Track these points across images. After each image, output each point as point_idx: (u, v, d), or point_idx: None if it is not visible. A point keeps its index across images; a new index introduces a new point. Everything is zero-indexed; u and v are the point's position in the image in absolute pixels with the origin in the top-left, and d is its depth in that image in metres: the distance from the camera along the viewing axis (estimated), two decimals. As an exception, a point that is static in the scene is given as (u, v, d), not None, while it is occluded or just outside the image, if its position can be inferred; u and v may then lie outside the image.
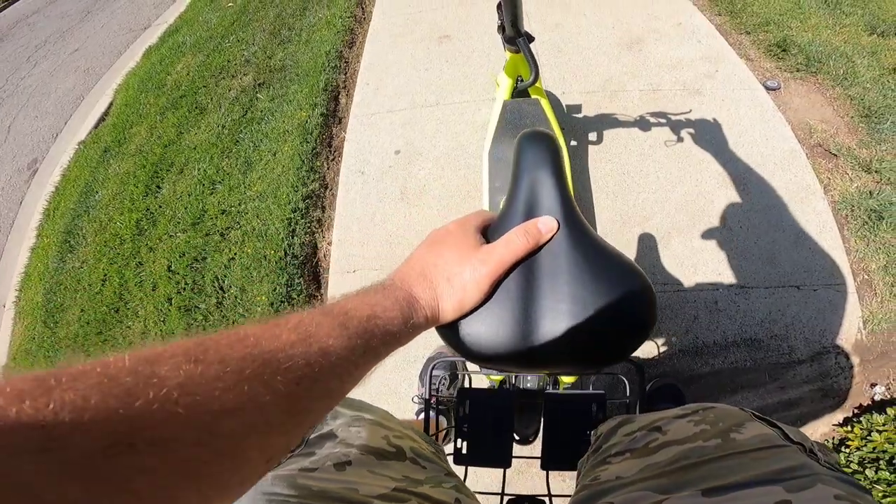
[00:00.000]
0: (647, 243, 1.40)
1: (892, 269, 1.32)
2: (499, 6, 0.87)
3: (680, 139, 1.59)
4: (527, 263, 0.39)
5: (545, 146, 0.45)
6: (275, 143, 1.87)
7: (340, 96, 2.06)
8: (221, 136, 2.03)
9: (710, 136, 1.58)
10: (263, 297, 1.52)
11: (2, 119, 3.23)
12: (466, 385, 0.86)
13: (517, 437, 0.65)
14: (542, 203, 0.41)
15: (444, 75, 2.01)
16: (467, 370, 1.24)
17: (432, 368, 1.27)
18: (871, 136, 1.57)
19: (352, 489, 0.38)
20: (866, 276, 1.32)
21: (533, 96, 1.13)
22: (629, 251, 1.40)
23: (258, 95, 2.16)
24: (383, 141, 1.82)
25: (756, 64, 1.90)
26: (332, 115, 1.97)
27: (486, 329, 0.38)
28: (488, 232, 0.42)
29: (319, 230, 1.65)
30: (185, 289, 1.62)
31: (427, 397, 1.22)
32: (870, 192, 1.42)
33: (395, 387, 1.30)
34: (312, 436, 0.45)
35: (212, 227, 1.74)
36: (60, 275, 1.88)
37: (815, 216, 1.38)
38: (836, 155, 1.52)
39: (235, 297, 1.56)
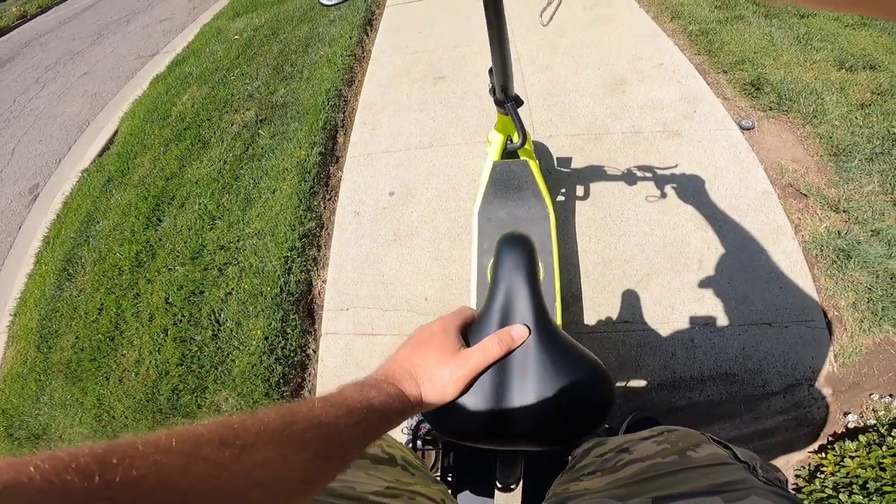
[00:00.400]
0: (627, 284, 1.47)
1: (861, 305, 1.39)
2: (490, 70, 0.93)
3: (659, 184, 1.67)
4: (503, 364, 0.47)
5: (521, 251, 0.53)
6: (274, 181, 1.95)
7: (338, 135, 2.15)
8: (223, 171, 2.10)
9: (687, 178, 1.67)
10: (259, 332, 1.56)
11: (6, 142, 3.28)
12: None
13: (499, 486, 0.70)
14: (516, 308, 0.49)
15: (438, 117, 2.09)
16: None
17: None
18: (839, 175, 1.66)
19: (349, 487, 0.44)
20: (836, 313, 1.39)
21: (522, 157, 1.19)
22: (611, 293, 1.47)
23: (260, 132, 2.24)
24: (378, 182, 1.89)
25: (732, 103, 1.98)
26: (330, 154, 2.05)
27: (466, 415, 0.45)
28: (470, 332, 0.49)
29: (315, 268, 1.71)
30: (181, 321, 1.66)
31: (414, 428, 1.26)
32: (838, 232, 1.51)
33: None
34: None
35: (210, 262, 1.79)
36: (57, 302, 1.92)
37: (786, 256, 1.46)
38: (806, 195, 1.61)
39: (231, 331, 1.60)
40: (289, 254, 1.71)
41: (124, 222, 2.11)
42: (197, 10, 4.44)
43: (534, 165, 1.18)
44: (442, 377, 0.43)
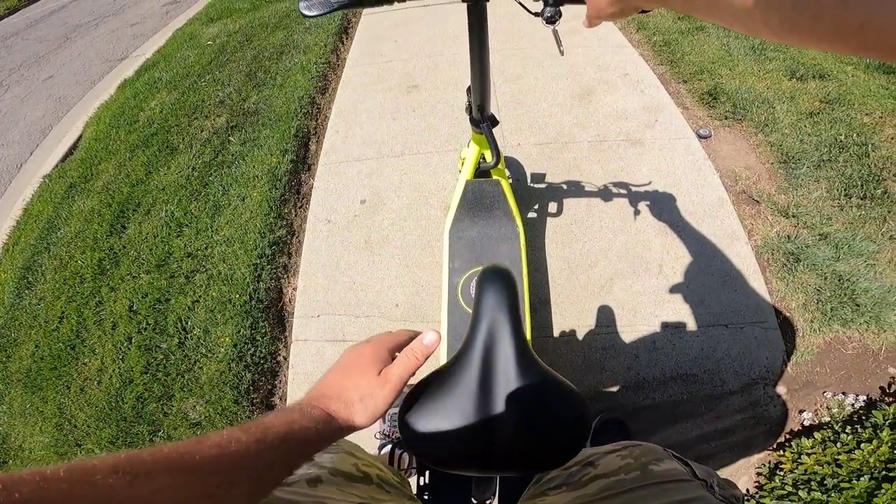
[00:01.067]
0: (592, 289, 1.51)
1: (811, 306, 1.46)
2: (469, 89, 0.95)
3: (622, 192, 1.72)
4: (485, 395, 0.48)
5: (503, 286, 0.55)
6: (244, 188, 1.93)
7: (310, 143, 2.14)
8: (191, 178, 2.07)
9: (648, 186, 1.73)
10: (227, 339, 1.54)
11: (-35, 147, 3.15)
12: None
13: (475, 502, 0.71)
14: (499, 343, 0.51)
15: (410, 125, 2.11)
16: None
17: (393, 406, 1.33)
18: (788, 181, 1.75)
19: (320, 502, 0.45)
20: (788, 314, 1.46)
21: (494, 177, 1.20)
22: (576, 297, 1.51)
23: (230, 138, 2.22)
24: (350, 190, 1.89)
25: (691, 112, 2.06)
26: (302, 162, 2.05)
27: (449, 444, 0.48)
28: (454, 364, 0.51)
29: (285, 276, 1.70)
30: (146, 329, 1.63)
31: (389, 433, 1.27)
32: (788, 237, 1.59)
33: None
34: None
35: (177, 270, 1.76)
36: (16, 310, 1.86)
37: (740, 260, 1.53)
38: (758, 201, 1.69)
39: (198, 338, 1.58)
40: (258, 261, 1.69)
41: (87, 229, 2.05)
42: (170, 14, 4.37)
43: (506, 185, 1.20)
44: (373, 397, 0.44)
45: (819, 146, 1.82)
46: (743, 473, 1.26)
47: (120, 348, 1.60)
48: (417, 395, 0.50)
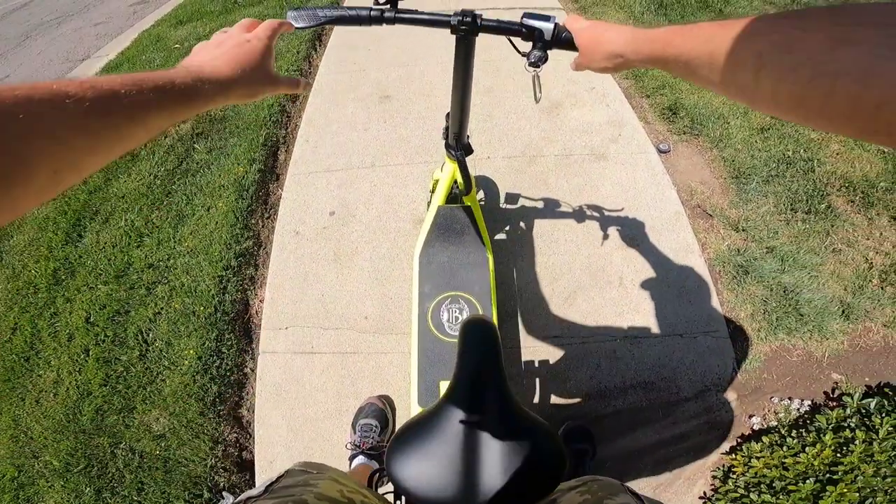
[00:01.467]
0: (556, 301, 1.56)
1: (758, 316, 1.55)
2: (448, 115, 0.95)
3: (586, 206, 1.78)
4: (470, 439, 0.52)
5: (484, 338, 0.60)
6: (209, 198, 1.89)
7: (279, 152, 2.12)
8: (153, 186, 2.01)
9: (611, 200, 1.80)
10: (192, 351, 1.51)
11: None
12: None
13: None
14: (484, 392, 0.55)
15: (381, 136, 2.11)
16: (395, 422, 1.31)
17: (363, 417, 1.34)
18: (739, 196, 1.84)
19: None
20: (737, 323, 1.54)
21: (466, 203, 1.22)
22: (542, 310, 1.55)
23: (195, 145, 2.17)
24: (319, 201, 1.87)
25: (652, 127, 2.13)
26: (270, 172, 2.02)
27: (434, 485, 0.51)
28: (441, 411, 0.54)
29: (252, 287, 1.68)
30: (104, 341, 1.59)
31: (360, 444, 1.27)
32: (738, 250, 1.68)
33: (327, 434, 1.36)
34: (277, 486, 0.53)
35: (137, 281, 1.71)
36: (-35, 323, 1.77)
37: (693, 272, 1.60)
38: (711, 216, 1.78)
39: (161, 350, 1.55)
40: (224, 273, 1.66)
41: (41, 237, 1.97)
42: (137, 14, 4.23)
43: (477, 212, 1.21)
44: (244, 49, 0.48)
45: (768, 161, 1.93)
46: (700, 476, 1.32)
47: (77, 360, 1.57)
48: (404, 438, 0.54)
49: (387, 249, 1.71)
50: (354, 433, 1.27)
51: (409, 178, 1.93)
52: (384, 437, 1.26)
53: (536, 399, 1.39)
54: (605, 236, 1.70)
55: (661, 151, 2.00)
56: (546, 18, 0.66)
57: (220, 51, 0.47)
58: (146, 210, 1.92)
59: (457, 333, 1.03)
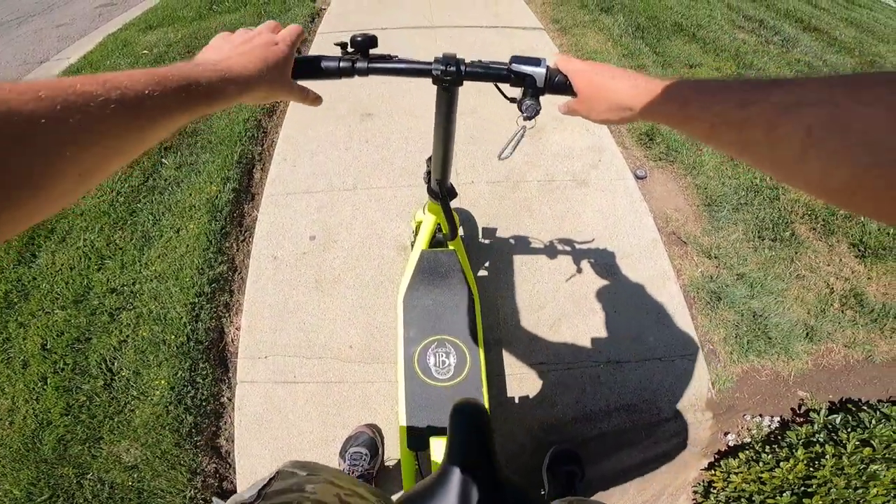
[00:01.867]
0: (541, 328, 1.57)
1: (730, 340, 1.62)
2: (429, 158, 0.91)
3: (568, 233, 1.81)
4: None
5: (473, 422, 0.64)
6: (179, 219, 1.79)
7: (255, 170, 2.04)
8: (115, 203, 1.89)
9: (591, 228, 1.84)
10: (163, 381, 1.43)
11: None
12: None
13: None
14: (474, 472, 0.57)
15: (362, 156, 2.07)
16: (384, 450, 1.28)
17: (353, 445, 1.30)
18: (711, 224, 1.93)
19: None
20: (712, 347, 1.61)
21: (450, 247, 1.19)
22: (527, 337, 1.56)
23: (163, 160, 2.05)
24: (298, 224, 1.81)
25: (630, 153, 2.20)
26: (245, 192, 1.94)
27: None
28: (435, 490, 0.57)
29: (227, 315, 1.60)
30: (63, 369, 1.49)
31: (349, 472, 1.23)
32: (710, 276, 1.75)
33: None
34: (270, 490, 0.52)
35: (98, 307, 1.60)
36: None
37: (670, 298, 1.66)
38: (685, 243, 1.86)
39: (128, 380, 1.46)
40: (196, 300, 1.57)
41: (-12, 258, 1.80)
42: (103, 17, 4.01)
43: (462, 256, 1.19)
44: (271, 49, 0.49)
45: (738, 189, 2.04)
46: (682, 492, 1.36)
47: (33, 388, 1.47)
48: None
49: (371, 277, 1.67)
50: (343, 461, 1.26)
51: (392, 202, 1.90)
52: (373, 465, 1.26)
53: (524, 424, 1.40)
54: (588, 264, 1.73)
55: (638, 177, 2.06)
56: (536, 62, 0.59)
57: (248, 47, 0.47)
58: (108, 230, 1.80)
59: (445, 377, 1.02)
